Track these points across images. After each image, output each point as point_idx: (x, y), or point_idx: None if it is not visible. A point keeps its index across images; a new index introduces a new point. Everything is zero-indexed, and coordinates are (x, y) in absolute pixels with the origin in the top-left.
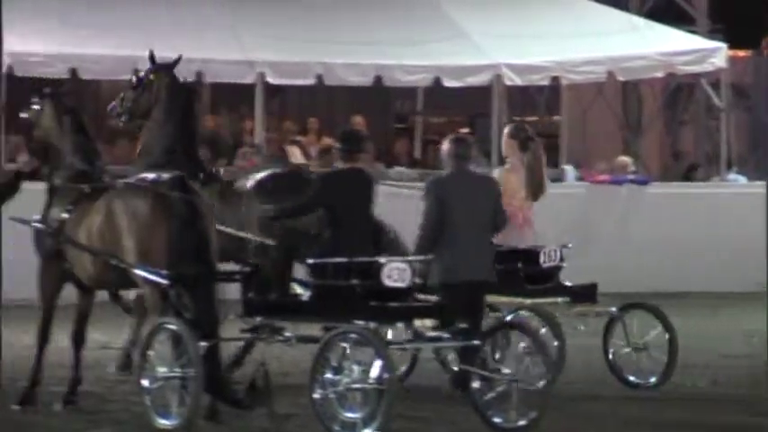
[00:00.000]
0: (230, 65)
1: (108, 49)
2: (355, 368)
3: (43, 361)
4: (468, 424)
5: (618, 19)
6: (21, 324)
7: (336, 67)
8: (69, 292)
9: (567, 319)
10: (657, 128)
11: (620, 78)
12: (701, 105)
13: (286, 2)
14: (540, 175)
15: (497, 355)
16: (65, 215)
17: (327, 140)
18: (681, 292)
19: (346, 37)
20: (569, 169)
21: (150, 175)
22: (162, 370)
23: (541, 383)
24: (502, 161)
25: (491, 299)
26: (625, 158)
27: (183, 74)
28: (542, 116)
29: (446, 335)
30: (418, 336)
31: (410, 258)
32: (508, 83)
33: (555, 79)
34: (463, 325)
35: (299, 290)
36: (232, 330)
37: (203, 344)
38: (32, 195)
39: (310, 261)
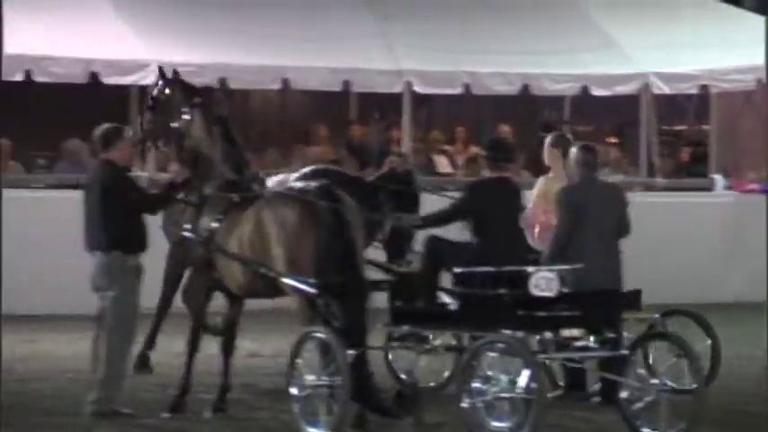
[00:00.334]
0: (378, 74)
1: (256, 59)
2: (503, 377)
3: (193, 369)
4: None
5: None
6: (171, 332)
7: (483, 76)
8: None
9: None
10: None
11: None
12: None
13: (435, 12)
14: None
15: (646, 364)
16: (215, 224)
17: (474, 149)
18: None
19: (493, 46)
20: (718, 178)
21: (298, 184)
22: (310, 378)
23: (691, 393)
24: (651, 169)
25: None
26: None
27: (330, 83)
28: (691, 125)
29: (593, 344)
30: (566, 345)
31: (557, 267)
32: (656, 91)
33: (703, 88)
34: (611, 334)
35: (445, 299)
36: (379, 339)
37: (351, 352)
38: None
39: (457, 270)
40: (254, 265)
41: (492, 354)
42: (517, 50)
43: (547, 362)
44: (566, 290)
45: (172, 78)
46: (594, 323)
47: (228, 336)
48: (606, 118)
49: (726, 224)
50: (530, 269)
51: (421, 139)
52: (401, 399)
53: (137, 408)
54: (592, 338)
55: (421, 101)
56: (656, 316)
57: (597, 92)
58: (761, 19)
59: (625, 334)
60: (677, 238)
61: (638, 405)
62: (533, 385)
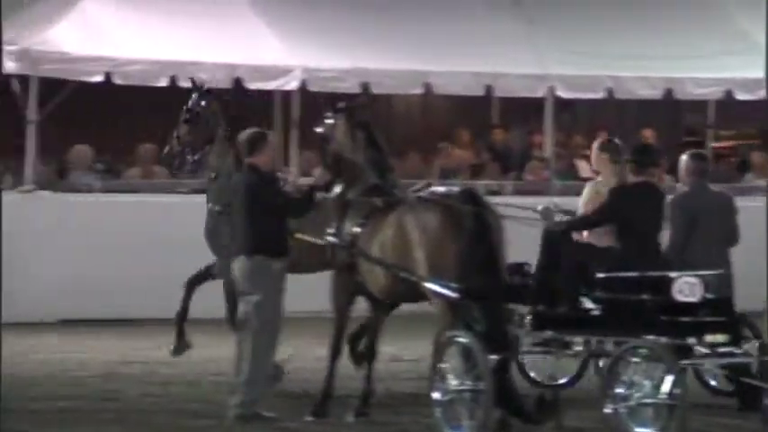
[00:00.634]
0: (521, 79)
1: (399, 64)
2: (646, 383)
3: (335, 373)
4: None
5: None
6: (313, 335)
7: (627, 80)
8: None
9: None
10: None
11: None
12: None
13: (579, 15)
14: None
15: None
16: (357, 229)
17: None
18: None
19: (637, 50)
20: None
21: (441, 189)
22: (453, 383)
23: None
24: None
25: None
26: None
27: (472, 88)
28: None
29: (738, 350)
30: (710, 352)
31: (701, 273)
32: None
33: None
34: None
35: (588, 304)
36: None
37: (494, 357)
38: None
39: (600, 275)
40: (396, 269)
41: (635, 359)
42: (661, 54)
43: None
44: (709, 295)
45: (206, 91)
46: (737, 329)
47: (371, 340)
48: (750, 122)
49: None
50: (672, 274)
51: (563, 144)
52: (542, 404)
53: (280, 411)
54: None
55: (563, 105)
56: None
57: (742, 96)
58: None
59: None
60: None
61: None
62: (676, 391)
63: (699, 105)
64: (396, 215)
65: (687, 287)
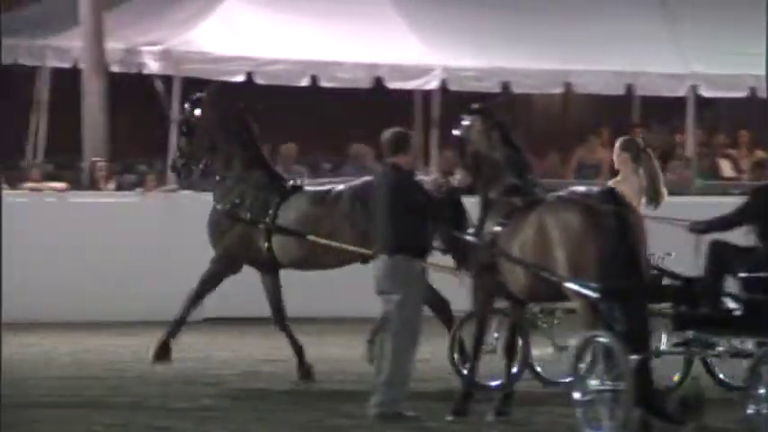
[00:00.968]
0: (662, 78)
1: (539, 63)
2: None
3: (477, 372)
4: None
5: None
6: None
7: None
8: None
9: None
10: None
11: None
12: None
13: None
14: (659, 182)
15: None
16: (498, 228)
17: (759, 153)
18: None
19: None
20: None
21: (581, 189)
22: (593, 383)
23: None
24: None
25: None
26: None
27: (613, 87)
28: None
29: None
30: None
31: None
32: None
33: None
34: None
35: (731, 304)
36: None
37: (635, 357)
38: None
39: (743, 275)
40: (537, 269)
41: None
42: None
43: None
44: None
45: (198, 99)
46: None
47: (511, 339)
48: None
49: None
50: None
51: (705, 144)
52: (685, 404)
53: (420, 411)
54: None
55: (705, 104)
56: None
57: None
58: None
59: None
60: None
61: None
62: None
63: None
64: (536, 215)
65: None
